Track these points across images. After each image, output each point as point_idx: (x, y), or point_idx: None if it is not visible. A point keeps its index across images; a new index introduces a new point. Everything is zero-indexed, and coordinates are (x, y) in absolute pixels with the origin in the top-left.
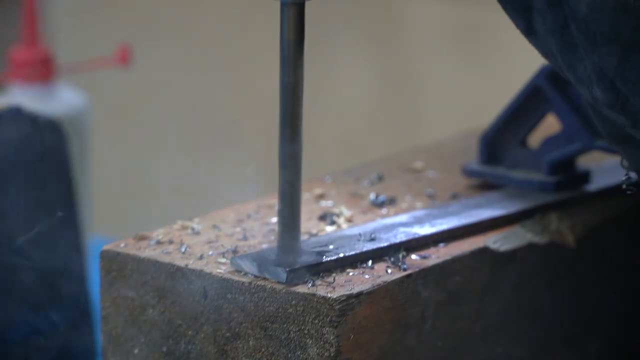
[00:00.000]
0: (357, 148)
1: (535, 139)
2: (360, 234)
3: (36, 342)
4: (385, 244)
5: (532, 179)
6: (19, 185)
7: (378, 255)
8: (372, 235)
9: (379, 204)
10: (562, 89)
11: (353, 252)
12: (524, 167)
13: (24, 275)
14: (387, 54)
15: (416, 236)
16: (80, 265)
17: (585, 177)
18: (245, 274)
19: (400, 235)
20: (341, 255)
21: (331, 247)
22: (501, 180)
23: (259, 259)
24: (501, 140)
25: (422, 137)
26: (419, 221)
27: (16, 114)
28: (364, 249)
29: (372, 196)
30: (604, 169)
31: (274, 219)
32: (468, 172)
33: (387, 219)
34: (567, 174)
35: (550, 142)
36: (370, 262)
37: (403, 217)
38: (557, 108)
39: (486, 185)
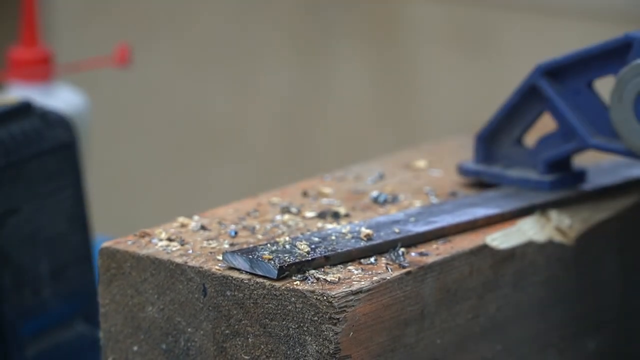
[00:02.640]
0: (357, 147)
1: (532, 137)
2: (357, 231)
3: (47, 337)
4: (383, 241)
5: (528, 177)
6: (29, 180)
7: (376, 252)
8: (370, 232)
9: (379, 202)
10: (558, 87)
11: (347, 249)
12: (519, 165)
13: (35, 269)
14: (387, 53)
15: (414, 233)
16: (89, 260)
17: (581, 176)
18: (242, 270)
19: (399, 233)
20: (335, 251)
21: (326, 243)
22: (497, 179)
23: (250, 255)
24: (497, 139)
25: (422, 136)
26: (417, 219)
27: (26, 109)
28: (360, 246)
29: (372, 194)
30: (602, 168)
31: (273, 217)
32: (463, 171)
33: (386, 217)
34: (563, 173)
35: (546, 141)
36: (369, 259)
37: (401, 215)
38: (553, 107)
39: (485, 184)
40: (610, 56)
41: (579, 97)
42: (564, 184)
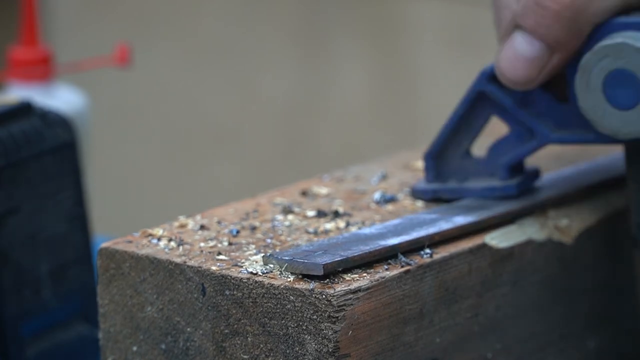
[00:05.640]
0: (357, 147)
1: (475, 147)
2: (358, 233)
3: (47, 337)
4: (384, 243)
5: (491, 186)
6: (29, 180)
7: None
8: (371, 234)
9: (379, 202)
10: (506, 89)
11: (352, 253)
12: (474, 177)
13: (35, 269)
14: (387, 53)
15: (416, 236)
16: (89, 260)
17: (536, 173)
18: (245, 270)
19: (401, 235)
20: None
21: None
22: (457, 194)
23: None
24: (446, 154)
25: (422, 136)
26: (419, 221)
27: (26, 109)
28: (363, 249)
29: (371, 194)
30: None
31: (273, 217)
32: (418, 193)
33: (386, 217)
34: (522, 175)
35: (499, 146)
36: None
37: (402, 216)
38: (504, 110)
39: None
40: None
41: (528, 95)
42: (526, 184)
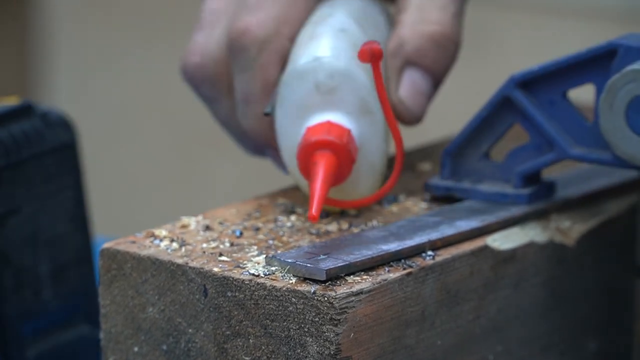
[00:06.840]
0: None
1: (495, 151)
2: (360, 235)
3: (47, 337)
4: (387, 248)
5: (503, 192)
6: (29, 180)
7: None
8: (374, 237)
9: (382, 204)
10: (532, 98)
11: (355, 259)
12: (489, 180)
13: (35, 270)
14: None
15: (418, 241)
16: (89, 260)
17: (552, 187)
18: (247, 272)
19: (404, 240)
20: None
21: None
22: (468, 194)
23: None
24: (465, 154)
25: (423, 137)
26: (421, 224)
27: (27, 109)
28: (366, 254)
29: None
30: (567, 178)
31: (276, 217)
32: (431, 188)
33: (389, 219)
34: (537, 185)
35: (517, 154)
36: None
37: (405, 218)
38: (527, 118)
39: (455, 199)
40: (589, 65)
41: (553, 107)
42: (539, 196)
